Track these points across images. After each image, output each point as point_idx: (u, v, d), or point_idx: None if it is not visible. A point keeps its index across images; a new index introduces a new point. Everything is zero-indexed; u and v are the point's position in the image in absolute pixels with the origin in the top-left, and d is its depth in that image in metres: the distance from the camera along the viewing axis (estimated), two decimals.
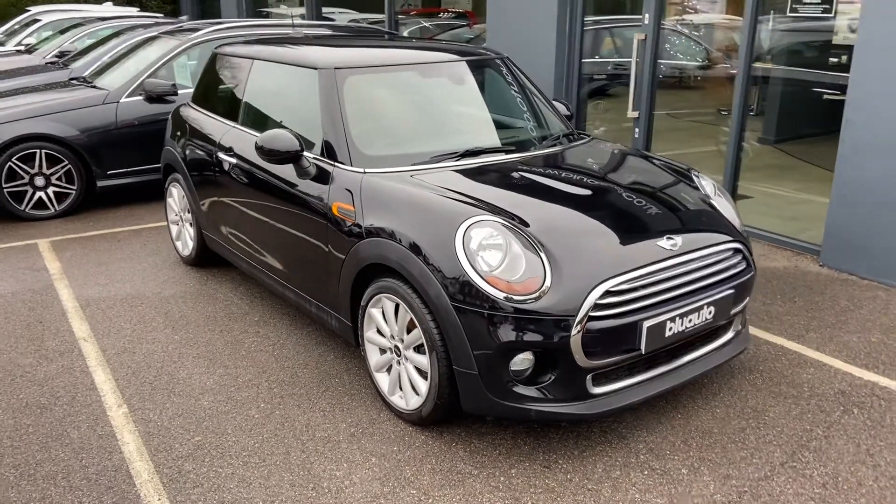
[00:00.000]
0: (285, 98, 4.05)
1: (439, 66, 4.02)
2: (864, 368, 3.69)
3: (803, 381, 3.57)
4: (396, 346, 3.21)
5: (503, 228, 2.90)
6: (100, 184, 6.41)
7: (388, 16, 10.32)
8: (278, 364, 3.76)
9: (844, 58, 5.11)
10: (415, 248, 2.98)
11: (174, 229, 5.28)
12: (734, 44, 6.09)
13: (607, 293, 2.81)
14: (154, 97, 6.43)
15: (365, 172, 3.39)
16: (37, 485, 2.85)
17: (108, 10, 14.19)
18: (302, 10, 12.67)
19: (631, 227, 3.08)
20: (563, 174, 3.48)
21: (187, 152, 4.79)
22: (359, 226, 3.25)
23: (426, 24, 11.55)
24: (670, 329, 2.94)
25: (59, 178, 6.24)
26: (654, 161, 3.83)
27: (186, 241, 5.10)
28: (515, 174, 3.43)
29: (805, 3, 5.36)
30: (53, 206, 6.26)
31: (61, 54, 9.97)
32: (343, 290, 3.43)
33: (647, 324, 2.86)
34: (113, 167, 6.44)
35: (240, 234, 4.31)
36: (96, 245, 5.60)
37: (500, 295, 2.78)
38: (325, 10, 12.75)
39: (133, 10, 14.46)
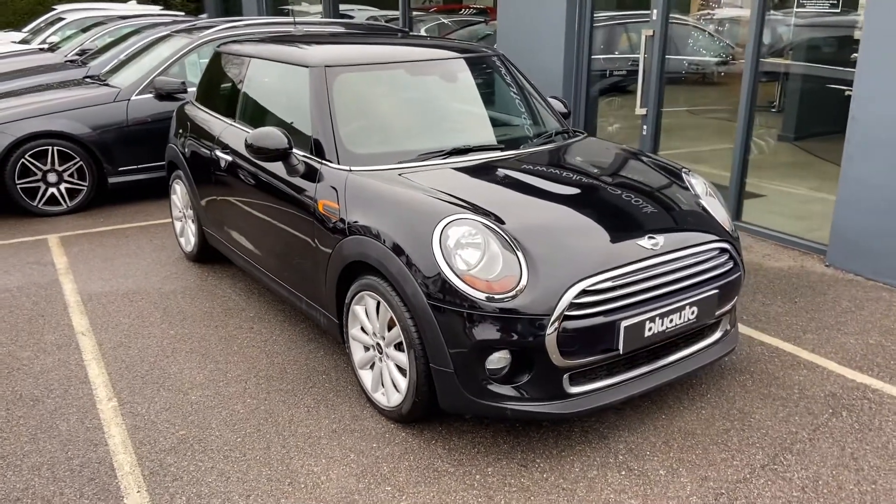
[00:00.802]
0: (279, 96, 4.08)
1: (432, 64, 4.02)
2: (859, 371, 3.63)
3: (794, 383, 3.52)
4: (378, 344, 3.23)
5: (481, 227, 2.90)
6: (111, 180, 6.51)
7: (402, 12, 10.34)
8: (268, 360, 3.80)
9: None
10: (394, 246, 2.99)
11: (178, 226, 5.35)
12: (745, 39, 6.02)
13: (584, 292, 2.80)
14: (164, 95, 6.50)
15: (350, 170, 3.41)
16: (21, 476, 2.91)
17: (132, 8, 14.41)
18: (319, 8, 12.74)
19: (612, 226, 3.06)
20: (550, 172, 3.46)
21: (189, 149, 4.85)
22: (343, 223, 3.28)
23: (444, 21, 11.56)
24: (650, 329, 2.92)
25: (71, 175, 6.35)
26: (645, 160, 3.80)
27: (189, 238, 5.17)
28: (501, 172, 3.42)
29: None
30: (65, 202, 6.38)
31: (82, 52, 10.15)
32: (329, 288, 3.45)
33: (625, 324, 2.84)
34: (124, 164, 6.54)
35: (236, 231, 4.36)
36: (104, 241, 5.70)
37: (476, 293, 2.78)
38: (342, 7, 12.80)
39: (156, 9, 14.65)
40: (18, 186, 6.17)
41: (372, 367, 3.34)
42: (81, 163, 6.35)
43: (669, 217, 3.24)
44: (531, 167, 3.51)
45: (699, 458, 2.97)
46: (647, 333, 2.92)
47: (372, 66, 3.87)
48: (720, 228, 3.33)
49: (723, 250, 3.23)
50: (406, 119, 3.85)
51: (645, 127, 6.48)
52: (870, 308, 4.35)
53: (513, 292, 2.78)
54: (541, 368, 2.82)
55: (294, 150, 3.64)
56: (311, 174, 3.54)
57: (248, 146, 3.55)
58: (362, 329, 3.32)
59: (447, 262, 2.83)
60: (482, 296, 2.78)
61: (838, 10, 5.37)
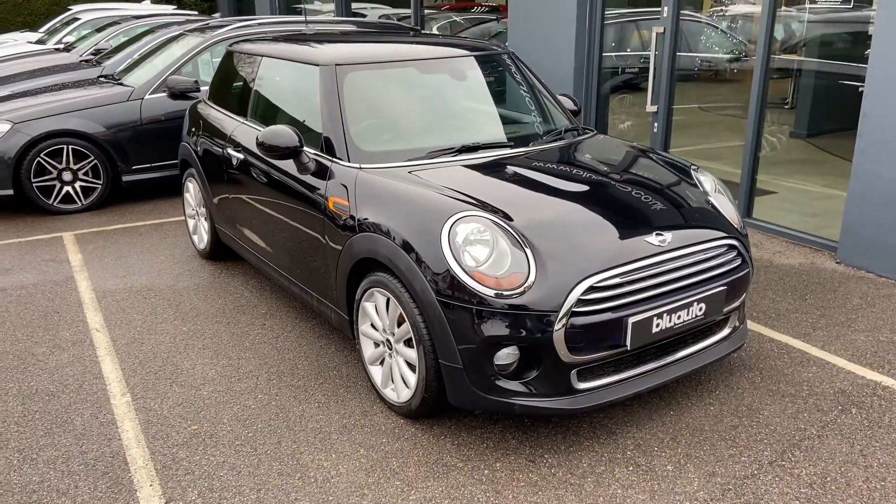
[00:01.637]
0: (290, 94, 4.11)
1: (441, 62, 4.04)
2: (869, 368, 3.63)
3: (803, 380, 3.52)
4: (388, 340, 3.25)
5: (490, 224, 2.92)
6: (125, 178, 6.58)
7: (414, 11, 10.36)
8: (280, 356, 3.84)
9: None
10: (403, 243, 3.02)
11: (191, 223, 5.40)
12: (757, 35, 5.99)
13: (591, 289, 2.82)
14: (177, 94, 6.56)
15: (361, 168, 3.43)
16: (37, 469, 2.96)
17: (146, 8, 14.51)
18: (332, 7, 12.78)
19: (620, 223, 3.07)
20: (559, 169, 3.48)
21: (201, 148, 4.89)
22: (353, 220, 3.30)
23: (456, 19, 11.56)
24: (657, 325, 2.93)
25: (85, 174, 6.42)
26: (654, 157, 3.80)
27: (202, 235, 5.22)
28: (510, 169, 3.44)
29: None
30: (80, 200, 6.45)
31: (96, 52, 10.24)
32: (339, 284, 3.48)
33: (632, 320, 2.85)
34: (138, 162, 6.61)
35: (248, 229, 4.40)
36: (118, 238, 5.76)
37: (484, 290, 2.80)
38: (355, 5, 12.83)
39: (169, 8, 14.75)
40: (34, 185, 6.24)
41: (382, 363, 3.36)
42: (96, 161, 6.42)
43: (678, 214, 3.25)
44: (540, 164, 3.53)
45: (707, 453, 2.98)
46: (654, 330, 2.93)
47: (382, 64, 3.89)
48: (728, 225, 3.33)
49: (731, 247, 3.24)
50: (416, 117, 3.88)
51: (656, 124, 6.47)
52: (881, 305, 4.33)
53: (521, 289, 2.79)
54: (549, 364, 2.84)
55: (305, 148, 3.67)
56: (322, 172, 3.57)
57: (260, 144, 3.58)
58: (372, 325, 3.35)
59: (456, 259, 2.85)
60: (491, 292, 2.80)
61: (851, 6, 5.35)
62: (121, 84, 6.92)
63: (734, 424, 3.17)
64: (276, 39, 4.58)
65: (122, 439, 3.15)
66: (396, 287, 3.06)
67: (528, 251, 2.86)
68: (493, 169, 3.45)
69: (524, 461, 2.96)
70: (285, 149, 3.57)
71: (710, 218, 3.31)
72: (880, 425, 3.15)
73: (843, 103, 5.51)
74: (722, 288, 3.10)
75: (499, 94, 4.17)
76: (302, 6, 14.64)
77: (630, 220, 3.11)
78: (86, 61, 9.61)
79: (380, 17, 12.60)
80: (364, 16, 13.03)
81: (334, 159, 3.55)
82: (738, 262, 3.24)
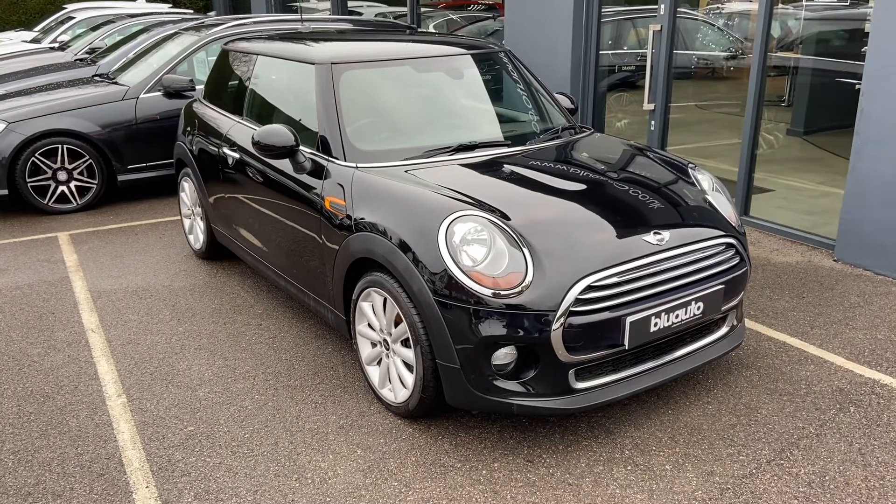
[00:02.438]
0: (286, 93, 4.09)
1: (437, 60, 4.02)
2: (867, 366, 3.62)
3: (801, 379, 3.51)
4: (385, 340, 3.24)
5: (487, 223, 2.90)
6: (120, 178, 6.55)
7: (410, 9, 10.34)
8: (276, 356, 3.82)
9: None
10: (400, 243, 3.00)
11: (186, 223, 5.38)
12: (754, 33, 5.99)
13: (589, 288, 2.80)
14: (172, 93, 6.54)
15: (357, 167, 3.42)
16: (33, 470, 2.94)
17: (141, 6, 14.47)
18: (328, 5, 12.75)
19: (618, 222, 3.06)
20: (556, 168, 3.46)
21: (197, 147, 4.87)
22: (349, 219, 3.29)
23: (453, 17, 11.54)
24: (655, 324, 2.92)
25: (80, 173, 6.39)
26: (651, 155, 3.79)
27: (198, 235, 5.20)
28: (507, 168, 3.42)
29: None
30: (75, 200, 6.42)
31: (91, 51, 10.21)
32: (336, 284, 3.47)
33: (630, 319, 2.84)
34: (133, 162, 6.58)
35: (244, 228, 4.38)
36: (114, 238, 5.74)
37: (482, 290, 2.79)
38: (351, 4, 12.81)
39: (165, 7, 14.70)
40: (29, 184, 6.21)
41: (379, 363, 3.35)
42: (91, 161, 6.39)
43: (675, 212, 3.24)
44: (537, 163, 3.51)
45: (705, 453, 2.97)
46: (652, 329, 2.92)
47: (378, 62, 3.88)
48: (726, 224, 3.32)
49: (729, 245, 3.23)
50: (412, 116, 3.86)
51: (653, 122, 6.46)
52: (878, 303, 4.33)
53: (518, 288, 2.78)
54: (546, 364, 2.82)
55: (301, 148, 3.66)
56: (318, 171, 3.55)
57: (255, 143, 3.56)
58: (369, 325, 3.33)
59: (453, 259, 2.84)
60: (488, 292, 2.78)
61: (847, 3, 5.35)
62: (116, 83, 6.89)
63: (732, 423, 3.16)
64: (271, 38, 4.56)
65: (118, 441, 3.13)
66: (393, 287, 3.04)
67: (525, 250, 2.85)
68: (490, 168, 3.43)
69: (522, 461, 2.95)
70: (281, 148, 3.56)
71: (707, 216, 3.30)
72: (878, 423, 3.15)
73: (839, 101, 5.51)
74: (720, 286, 3.10)
75: (495, 92, 4.16)
76: (298, 4, 14.60)
77: (628, 219, 3.10)
78: (80, 60, 9.57)
79: (376, 16, 12.58)
80: (360, 14, 13.01)
81: (330, 158, 3.54)
82: (736, 260, 3.24)
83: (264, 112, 4.24)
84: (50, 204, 6.35)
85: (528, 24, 7.42)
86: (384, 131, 3.75)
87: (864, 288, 4.55)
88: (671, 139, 6.55)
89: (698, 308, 3.04)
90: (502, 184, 3.27)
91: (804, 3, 5.62)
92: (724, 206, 3.45)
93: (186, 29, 7.46)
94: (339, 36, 4.50)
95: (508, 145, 3.71)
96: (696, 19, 6.80)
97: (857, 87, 4.78)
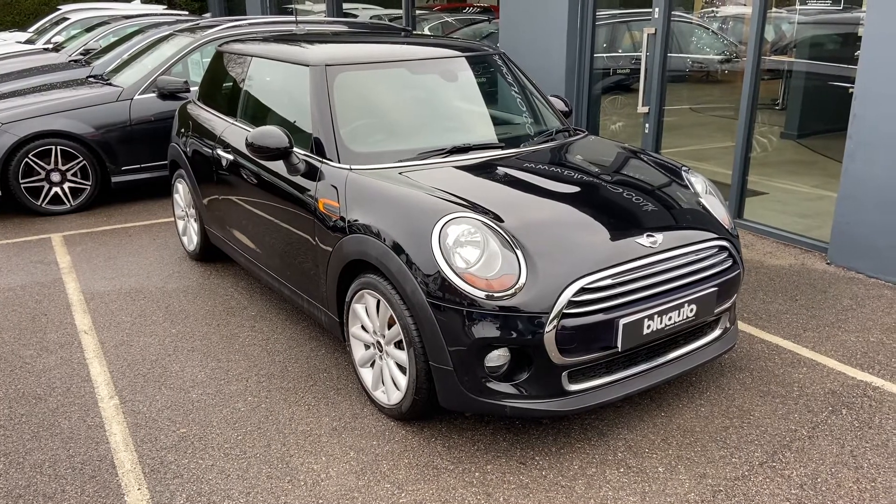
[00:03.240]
0: (280, 95, 4.09)
1: (432, 63, 4.02)
2: (859, 368, 3.63)
3: (794, 381, 3.52)
4: (378, 342, 3.24)
5: (481, 225, 2.90)
6: (114, 179, 6.54)
7: (405, 11, 10.34)
8: (269, 358, 3.82)
9: None
10: (394, 245, 3.00)
11: (180, 224, 5.37)
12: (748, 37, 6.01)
13: (583, 290, 2.81)
14: (167, 94, 6.53)
15: (351, 169, 3.42)
16: (24, 473, 2.93)
17: (136, 8, 14.45)
18: (323, 7, 12.75)
19: (611, 224, 3.07)
20: (550, 170, 3.47)
21: (191, 148, 4.86)
22: (343, 221, 3.29)
23: (448, 19, 11.56)
24: (648, 327, 2.92)
25: (74, 174, 6.38)
26: (645, 158, 3.80)
27: (191, 237, 5.19)
28: (501, 170, 3.43)
29: None
30: (69, 201, 6.40)
31: (85, 52, 10.19)
32: (330, 286, 3.46)
33: (623, 321, 2.84)
34: (127, 163, 6.56)
35: (238, 230, 4.37)
36: (107, 240, 5.72)
37: (475, 292, 2.79)
38: (346, 6, 12.81)
39: (160, 8, 14.68)
40: (22, 185, 6.19)
41: (372, 365, 3.35)
42: (85, 162, 6.37)
43: (669, 215, 3.24)
44: (531, 165, 3.52)
45: (698, 455, 2.98)
46: (645, 331, 2.92)
47: (372, 64, 3.88)
48: (719, 226, 3.33)
49: (722, 248, 3.23)
50: (406, 118, 3.86)
51: (647, 125, 6.48)
52: (871, 306, 4.34)
53: (512, 290, 2.78)
54: (540, 366, 2.83)
55: (295, 149, 3.66)
56: (312, 173, 3.55)
57: (249, 145, 3.56)
58: (363, 327, 3.33)
59: (446, 261, 2.84)
60: (481, 294, 2.78)
61: (840, 7, 5.37)
62: (110, 84, 6.88)
63: (725, 426, 3.17)
64: (266, 40, 4.56)
65: (110, 442, 3.12)
66: (387, 289, 3.04)
67: (518, 252, 2.85)
68: (483, 170, 3.44)
69: (515, 463, 2.95)
70: (275, 150, 3.55)
71: (700, 219, 3.31)
72: (870, 426, 3.16)
73: (833, 104, 5.53)
74: (713, 289, 3.10)
75: (490, 94, 4.16)
76: (293, 6, 14.60)
77: (621, 222, 3.10)
78: (75, 61, 9.55)
79: (371, 18, 12.59)
80: (355, 16, 13.01)
81: (324, 160, 3.53)
82: (729, 263, 3.24)
83: (258, 113, 4.24)
84: (43, 205, 6.33)
85: (522, 26, 7.43)
86: (378, 133, 3.75)
87: (856, 291, 4.56)
88: (665, 142, 6.57)
89: (691, 310, 3.05)
90: (496, 186, 3.27)
91: (798, 6, 5.64)
92: (718, 209, 3.46)
93: (181, 30, 7.45)
94: (334, 38, 4.50)
95: (502, 147, 3.71)
96: (691, 23, 6.82)
97: (851, 90, 4.80)
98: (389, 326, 3.13)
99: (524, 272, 2.81)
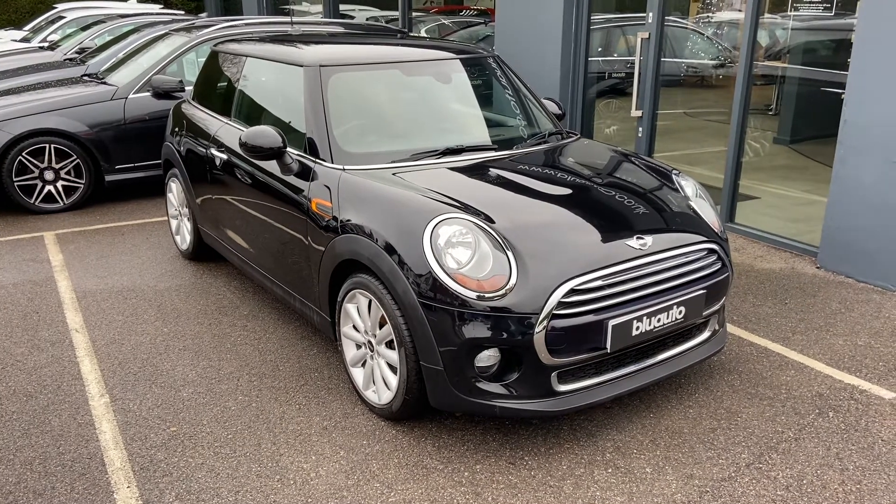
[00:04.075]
0: (274, 95, 4.11)
1: (426, 64, 4.04)
2: (846, 372, 3.66)
3: (782, 384, 3.55)
4: (370, 342, 3.25)
5: (472, 226, 2.92)
6: (108, 178, 6.54)
7: (402, 13, 10.36)
8: (261, 357, 3.82)
9: None
10: (385, 245, 3.02)
11: (174, 223, 5.37)
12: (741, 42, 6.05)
13: (572, 291, 2.83)
14: (161, 93, 6.53)
15: (344, 170, 3.43)
16: (14, 470, 2.93)
17: (132, 6, 14.44)
18: (320, 8, 12.76)
19: (601, 226, 3.09)
20: (542, 172, 3.49)
21: (184, 148, 4.87)
22: (336, 221, 3.30)
23: (444, 22, 11.58)
24: (637, 328, 2.94)
25: (67, 173, 6.38)
26: (636, 161, 3.82)
27: (184, 236, 5.19)
28: (493, 172, 3.44)
29: (813, 2, 5.32)
30: (62, 199, 6.40)
31: (81, 51, 10.18)
32: (322, 286, 3.48)
33: (612, 322, 2.86)
34: (121, 162, 6.56)
35: (231, 229, 4.38)
36: (100, 238, 5.72)
37: (466, 292, 2.81)
38: (343, 7, 12.82)
39: (156, 7, 14.67)
40: (16, 184, 6.19)
41: (363, 364, 3.36)
42: (78, 160, 6.37)
43: (659, 218, 3.27)
44: (523, 167, 3.54)
45: (685, 456, 3.00)
46: (634, 332, 2.94)
47: (366, 65, 3.89)
48: (709, 230, 3.35)
49: (711, 251, 3.26)
50: (400, 119, 3.88)
51: (640, 129, 6.51)
52: (859, 310, 4.38)
53: (502, 291, 2.80)
54: (529, 366, 2.84)
55: (288, 149, 3.67)
56: (305, 173, 3.57)
57: (243, 144, 3.57)
58: (354, 327, 3.35)
59: (438, 261, 2.86)
60: (472, 294, 2.80)
61: (833, 14, 5.41)
62: (105, 83, 6.88)
63: (713, 427, 3.19)
64: (261, 40, 4.57)
65: (100, 440, 3.12)
66: (378, 289, 3.06)
67: (509, 254, 2.87)
68: (476, 171, 3.45)
69: (504, 463, 2.96)
70: (268, 149, 3.57)
71: (690, 222, 3.33)
72: (856, 429, 3.18)
73: (825, 110, 5.57)
74: (701, 291, 3.13)
75: (484, 97, 4.18)
76: (289, 7, 14.60)
77: (611, 224, 3.12)
78: (70, 60, 9.54)
79: (367, 20, 12.60)
80: (352, 17, 13.02)
81: (318, 160, 3.55)
82: (718, 265, 3.27)
83: (252, 113, 4.25)
84: (36, 203, 6.33)
85: (518, 30, 7.46)
86: (372, 134, 3.77)
87: (845, 295, 4.60)
88: (658, 146, 6.60)
89: (680, 312, 3.07)
90: (488, 187, 3.29)
91: (791, 12, 5.68)
92: (707, 213, 3.48)
93: (176, 30, 7.45)
94: (329, 38, 4.52)
95: (495, 149, 3.73)
96: (685, 28, 6.85)
97: (843, 96, 4.84)
98: (381, 326, 3.14)
99: (515, 273, 2.83)
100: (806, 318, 4.26)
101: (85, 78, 7.47)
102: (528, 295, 2.80)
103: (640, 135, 6.51)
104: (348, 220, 3.23)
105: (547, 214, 3.12)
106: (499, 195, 3.23)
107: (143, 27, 9.41)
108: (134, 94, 6.58)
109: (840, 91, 5.15)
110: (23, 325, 4.20)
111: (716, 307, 3.29)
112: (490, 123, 4.08)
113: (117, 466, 2.95)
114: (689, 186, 3.62)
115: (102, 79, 7.13)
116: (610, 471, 2.91)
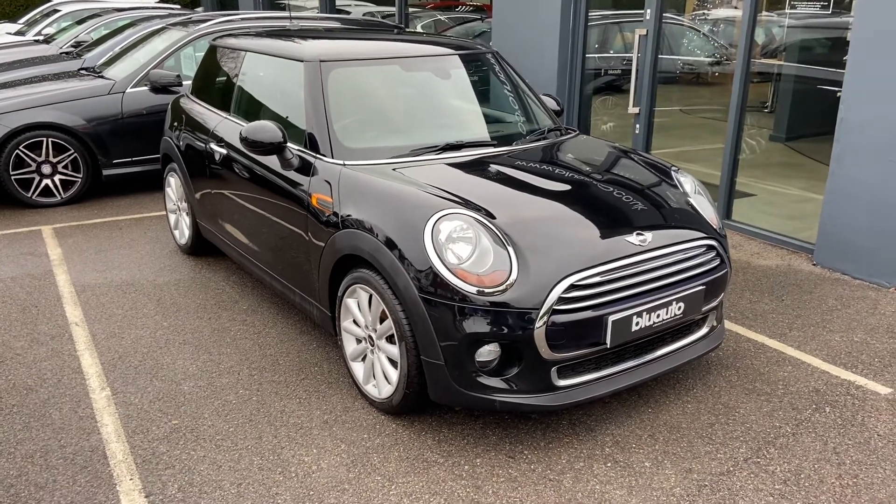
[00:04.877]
0: (274, 90, 4.11)
1: (426, 60, 4.05)
2: (843, 367, 3.69)
3: (779, 379, 3.57)
4: (370, 336, 3.26)
5: (473, 221, 2.94)
6: (105, 172, 6.53)
7: (398, 9, 10.36)
8: (261, 352, 3.84)
9: None
10: (386, 240, 3.03)
11: (172, 218, 5.38)
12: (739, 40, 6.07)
13: (572, 287, 2.84)
14: (159, 88, 6.53)
15: (345, 165, 3.44)
16: (15, 463, 2.94)
17: (128, 0, 14.38)
18: (316, 3, 12.74)
19: (601, 222, 3.11)
20: (541, 168, 3.51)
21: (183, 142, 4.87)
22: (336, 216, 3.31)
23: (441, 17, 11.58)
24: (637, 324, 2.97)
25: (65, 167, 6.37)
26: (635, 157, 3.84)
27: (183, 230, 5.19)
28: (493, 168, 3.46)
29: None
30: (59, 193, 6.39)
31: (77, 44, 10.15)
32: (322, 281, 3.49)
33: (612, 318, 2.88)
34: (118, 156, 6.56)
35: (230, 224, 4.39)
36: (98, 232, 5.72)
37: (467, 287, 2.82)
38: (339, 2, 12.80)
39: (152, 1, 14.63)
40: (13, 177, 6.18)
41: (363, 359, 3.38)
42: (76, 154, 6.36)
43: (658, 214, 3.29)
44: (523, 163, 3.55)
45: (684, 450, 3.02)
46: (634, 328, 2.96)
47: (367, 61, 3.90)
48: (708, 226, 3.37)
49: (710, 247, 3.28)
50: (400, 114, 3.89)
51: (638, 126, 6.53)
52: (855, 306, 4.41)
53: (503, 286, 2.82)
54: (529, 361, 2.86)
55: (289, 144, 3.68)
56: (306, 168, 3.57)
57: (243, 139, 3.58)
58: (354, 322, 3.36)
59: (438, 256, 2.87)
60: (473, 289, 2.82)
61: (829, 12, 5.43)
62: (102, 77, 6.86)
63: (711, 422, 3.22)
64: (260, 35, 4.57)
65: (102, 433, 3.13)
66: (379, 284, 3.07)
67: (510, 249, 2.89)
68: (476, 167, 3.47)
69: (504, 457, 2.99)
70: (269, 144, 3.57)
71: (689, 218, 3.36)
72: (853, 424, 3.21)
73: (821, 108, 5.60)
74: (700, 287, 3.15)
75: (483, 93, 4.19)
76: (286, 3, 14.57)
77: (611, 220, 3.14)
78: (66, 53, 9.51)
79: (364, 15, 12.58)
80: (348, 13, 13.00)
81: (318, 155, 3.56)
82: (717, 262, 3.29)
83: (252, 108, 4.25)
84: (34, 197, 6.31)
85: (515, 26, 7.47)
86: (371, 129, 3.77)
87: (841, 292, 4.63)
88: (655, 142, 6.62)
89: (679, 308, 3.09)
90: (488, 183, 3.31)
91: (787, 10, 5.71)
92: (706, 209, 3.50)
93: (174, 24, 7.44)
94: (328, 34, 4.52)
95: (495, 145, 3.75)
96: (682, 25, 6.87)
97: (839, 94, 4.86)
98: (381, 321, 3.16)
99: (515, 268, 2.85)
100: (802, 315, 4.29)
101: (82, 72, 7.45)
102: (528, 290, 2.81)
103: (637, 131, 6.53)
104: (349, 216, 3.24)
105: (547, 210, 3.14)
106: (499, 191, 3.25)
107: (139, 21, 9.38)
108: (131, 88, 6.57)
109: (835, 89, 5.18)
110: (22, 319, 4.20)
111: (714, 303, 3.31)
112: (489, 119, 4.09)
113: (119, 459, 2.96)
114: (688, 183, 3.64)
115: (99, 73, 7.11)
116: (609, 465, 2.93)
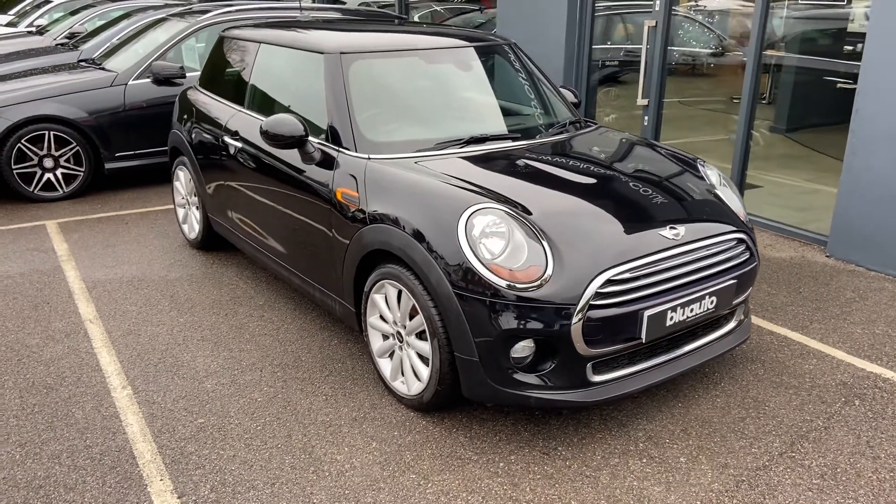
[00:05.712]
0: (291, 82, 4.05)
1: (446, 52, 4.00)
2: (868, 360, 3.69)
3: (805, 372, 3.57)
4: (399, 333, 3.22)
5: (506, 216, 2.90)
6: (108, 166, 6.43)
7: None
8: (282, 348, 3.79)
9: (860, 46, 5.05)
10: (417, 235, 2.99)
11: (181, 212, 5.30)
12: (748, 31, 6.05)
13: (608, 282, 2.82)
14: (162, 79, 6.44)
15: (370, 158, 3.39)
16: (42, 463, 2.88)
17: None
18: None
19: (634, 216, 3.08)
20: (568, 162, 3.47)
21: (194, 135, 4.80)
22: (362, 212, 3.26)
23: (437, 8, 11.50)
24: (671, 318, 2.94)
25: (67, 160, 6.27)
26: (660, 150, 3.81)
27: (193, 225, 5.12)
28: (520, 162, 3.42)
29: None
30: (62, 187, 6.30)
31: (71, 36, 10.00)
32: (347, 276, 3.44)
33: (648, 313, 2.86)
34: (121, 149, 6.46)
35: (245, 219, 4.33)
36: (104, 227, 5.64)
37: (502, 283, 2.79)
38: None
39: None
40: (15, 171, 6.08)
41: (391, 355, 3.33)
42: (78, 148, 6.26)
43: (689, 207, 3.26)
44: (548, 157, 3.52)
45: (718, 445, 3.01)
46: (668, 323, 2.94)
47: (387, 53, 3.84)
48: (736, 219, 3.35)
49: (740, 240, 3.26)
50: (422, 107, 3.83)
51: (646, 118, 6.50)
52: (874, 298, 4.41)
53: (538, 282, 2.78)
54: (565, 357, 2.83)
55: (310, 138, 3.62)
56: (328, 162, 3.52)
57: (264, 133, 3.52)
58: (381, 317, 3.32)
59: (473, 251, 2.83)
60: (508, 284, 2.78)
61: (830, 3, 5.42)
62: (103, 69, 6.76)
63: (742, 416, 3.21)
64: (273, 26, 4.50)
65: (127, 433, 3.08)
66: (410, 279, 3.03)
67: (545, 244, 2.85)
68: (502, 161, 3.43)
69: (538, 454, 2.96)
70: (290, 138, 3.52)
71: (718, 211, 3.33)
72: (884, 417, 3.21)
73: (822, 99, 5.60)
74: (732, 281, 3.13)
75: (503, 85, 4.15)
76: None
77: (643, 214, 3.11)
78: (61, 45, 9.37)
79: (359, 5, 12.48)
80: (343, 2, 12.89)
81: (341, 149, 3.50)
82: (747, 255, 3.27)
83: (268, 101, 4.19)
84: (36, 191, 6.22)
85: (521, 17, 7.42)
86: (394, 122, 3.72)
87: (858, 283, 4.63)
88: (663, 134, 6.60)
89: (711, 302, 3.07)
90: (517, 177, 3.27)
91: (787, 2, 5.69)
92: (734, 201, 3.48)
93: (175, 15, 7.34)
94: (345, 25, 4.45)
95: (518, 139, 3.71)
96: (687, 16, 6.84)
97: (839, 84, 4.85)
98: (411, 317, 3.12)
99: (551, 263, 2.82)
100: (822, 307, 4.29)
101: (82, 64, 7.34)
102: (565, 285, 2.78)
103: (646, 123, 6.51)
104: (376, 210, 3.20)
105: (578, 204, 3.10)
106: (528, 185, 3.21)
107: (133, 12, 9.26)
108: (134, 80, 6.48)
109: (836, 79, 5.18)
110: (34, 317, 4.13)
111: (743, 297, 3.29)
112: (511, 112, 4.04)
113: (148, 459, 2.91)
114: (713, 175, 3.62)
115: (100, 64, 7.00)
116: (644, 460, 2.91)
